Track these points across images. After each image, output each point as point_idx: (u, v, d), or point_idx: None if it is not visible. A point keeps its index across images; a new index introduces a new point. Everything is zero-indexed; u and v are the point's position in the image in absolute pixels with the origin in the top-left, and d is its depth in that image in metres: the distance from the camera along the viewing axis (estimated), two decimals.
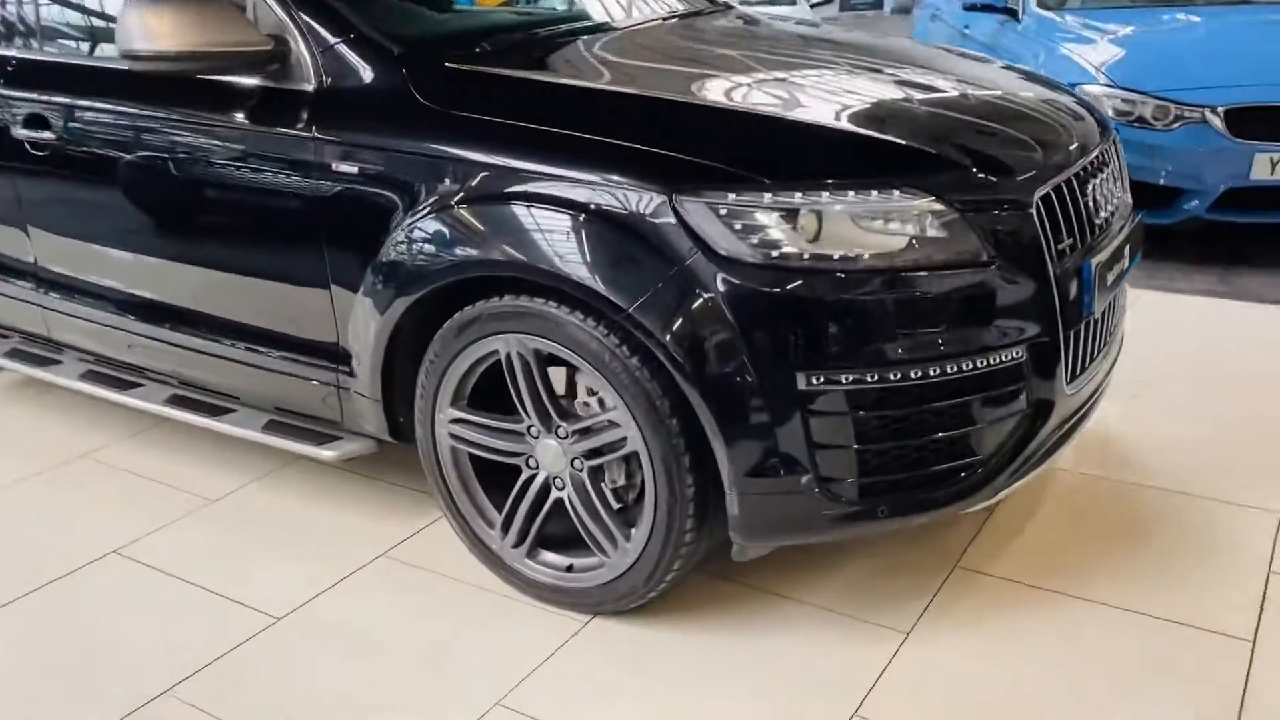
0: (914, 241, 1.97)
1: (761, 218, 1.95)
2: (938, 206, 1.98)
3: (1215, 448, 2.99)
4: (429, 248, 2.19)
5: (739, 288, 1.94)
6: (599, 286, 2.00)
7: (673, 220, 1.97)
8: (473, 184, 2.15)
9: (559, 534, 2.34)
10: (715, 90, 2.33)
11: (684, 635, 2.27)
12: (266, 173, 2.42)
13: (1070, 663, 2.15)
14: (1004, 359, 2.06)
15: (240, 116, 2.44)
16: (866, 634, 2.25)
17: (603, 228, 2.02)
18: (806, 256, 1.94)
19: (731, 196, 1.96)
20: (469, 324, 2.21)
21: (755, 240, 1.95)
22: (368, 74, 2.33)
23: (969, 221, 2.00)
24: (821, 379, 1.96)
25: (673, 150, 2.03)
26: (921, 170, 2.03)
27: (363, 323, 2.36)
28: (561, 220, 2.06)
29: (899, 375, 1.98)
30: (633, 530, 2.19)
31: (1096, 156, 2.36)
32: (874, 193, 1.98)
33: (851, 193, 1.97)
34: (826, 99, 2.34)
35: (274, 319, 2.57)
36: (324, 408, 2.59)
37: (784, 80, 2.46)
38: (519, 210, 2.10)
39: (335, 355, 2.49)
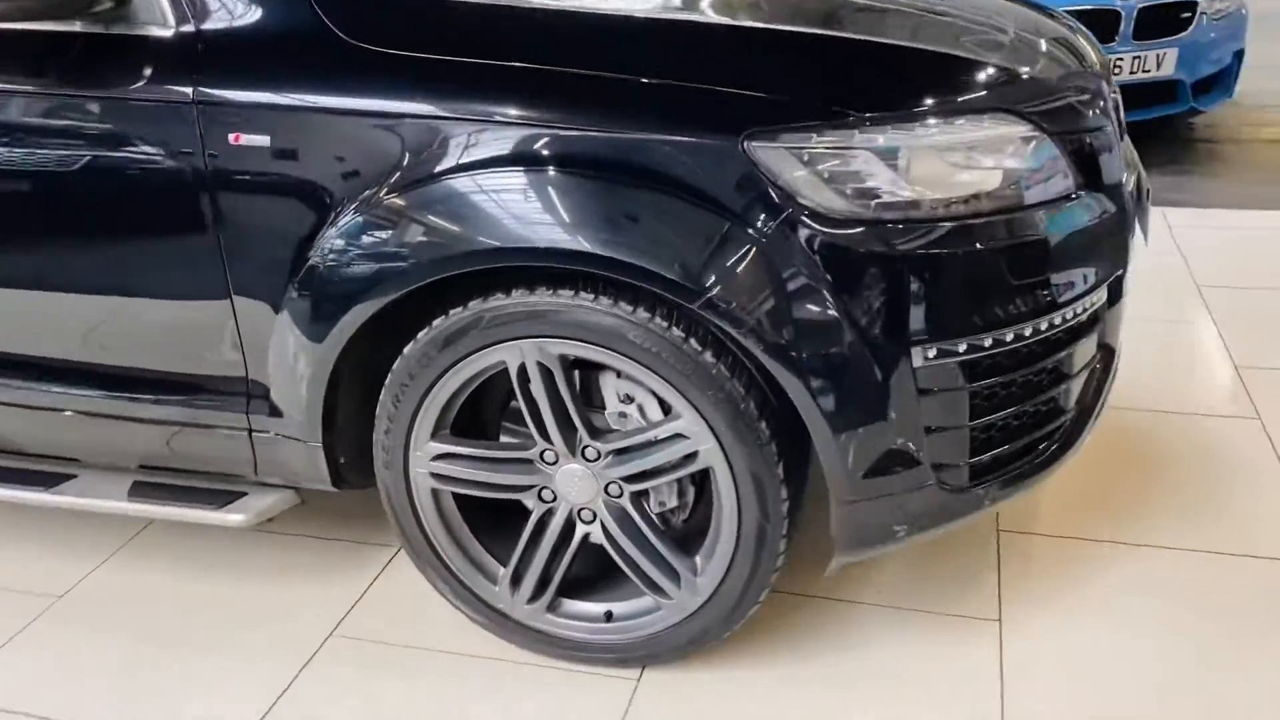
0: (1011, 175, 1.65)
1: (854, 161, 1.56)
2: (1031, 132, 1.66)
3: (1179, 369, 2.95)
4: (399, 238, 1.63)
5: (837, 249, 1.54)
6: (664, 269, 1.54)
7: (747, 171, 1.53)
8: (453, 150, 1.60)
9: (578, 575, 1.89)
10: (763, 10, 1.88)
11: (770, 664, 1.88)
12: (120, 155, 1.74)
13: (1179, 614, 1.96)
14: (1094, 302, 1.80)
15: (79, 79, 1.74)
16: (960, 628, 1.96)
17: (655, 192, 1.55)
18: (910, 204, 1.58)
19: (815, 137, 1.55)
20: (462, 333, 1.67)
21: (849, 189, 1.55)
22: (258, 9, 1.71)
23: (1059, 148, 1.70)
24: (934, 351, 1.61)
25: (732, 85, 1.58)
26: (1005, 92, 1.71)
27: (290, 346, 1.76)
28: (595, 187, 1.57)
29: (1011, 336, 1.67)
30: (698, 560, 1.78)
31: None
32: (962, 119, 1.63)
33: (945, 122, 1.61)
34: (880, 16, 1.95)
35: (149, 352, 1.90)
36: (225, 459, 1.96)
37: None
38: (532, 178, 1.58)
39: (242, 392, 1.87)
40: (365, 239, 1.65)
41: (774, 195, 1.53)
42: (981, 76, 1.71)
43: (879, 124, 1.56)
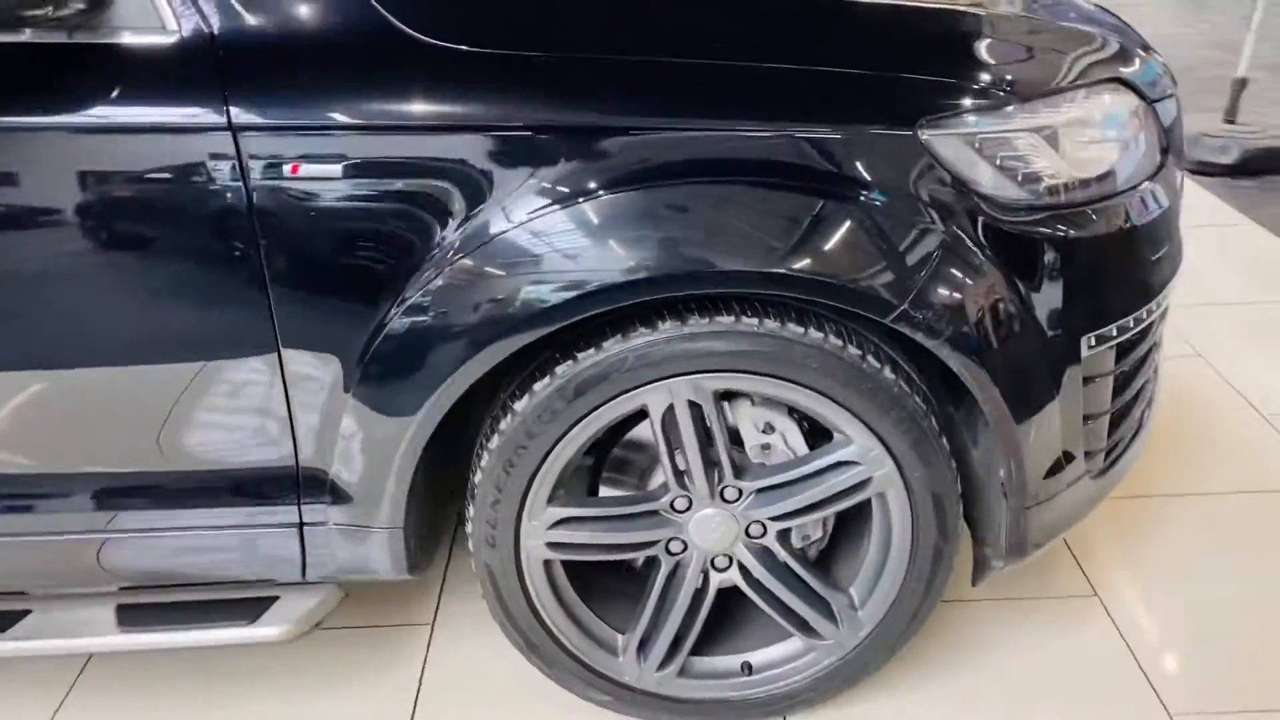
0: (1131, 149, 1.59)
1: (1020, 144, 1.44)
2: (1139, 104, 1.61)
3: None
4: (529, 274, 1.35)
5: (1017, 238, 1.42)
6: (859, 282, 1.36)
7: (925, 163, 1.38)
8: (584, 166, 1.33)
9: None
10: None
11: (911, 674, 1.77)
12: (111, 202, 1.34)
13: (1251, 556, 2.03)
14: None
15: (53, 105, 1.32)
16: (1069, 610, 1.93)
17: (831, 197, 1.36)
18: (1068, 185, 1.48)
19: (985, 122, 1.41)
20: (599, 379, 1.41)
21: (1020, 175, 1.43)
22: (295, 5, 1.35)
23: (1155, 121, 1.66)
24: (1095, 339, 1.54)
25: (901, 70, 1.42)
26: (1114, 65, 1.64)
27: (368, 420, 1.44)
28: (767, 195, 1.36)
29: (1144, 314, 1.62)
30: (853, 593, 1.62)
31: None
32: (1086, 94, 1.55)
33: (1085, 97, 1.52)
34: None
35: (167, 450, 1.49)
36: (259, 562, 1.59)
37: None
38: (690, 190, 1.34)
39: (291, 481, 1.51)
40: (480, 280, 1.35)
41: (954, 188, 1.39)
42: (1092, 50, 1.63)
43: (1032, 103, 1.45)
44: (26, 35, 1.32)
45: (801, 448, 1.55)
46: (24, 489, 1.54)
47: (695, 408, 1.46)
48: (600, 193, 1.33)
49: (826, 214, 1.36)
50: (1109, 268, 1.54)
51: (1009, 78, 1.45)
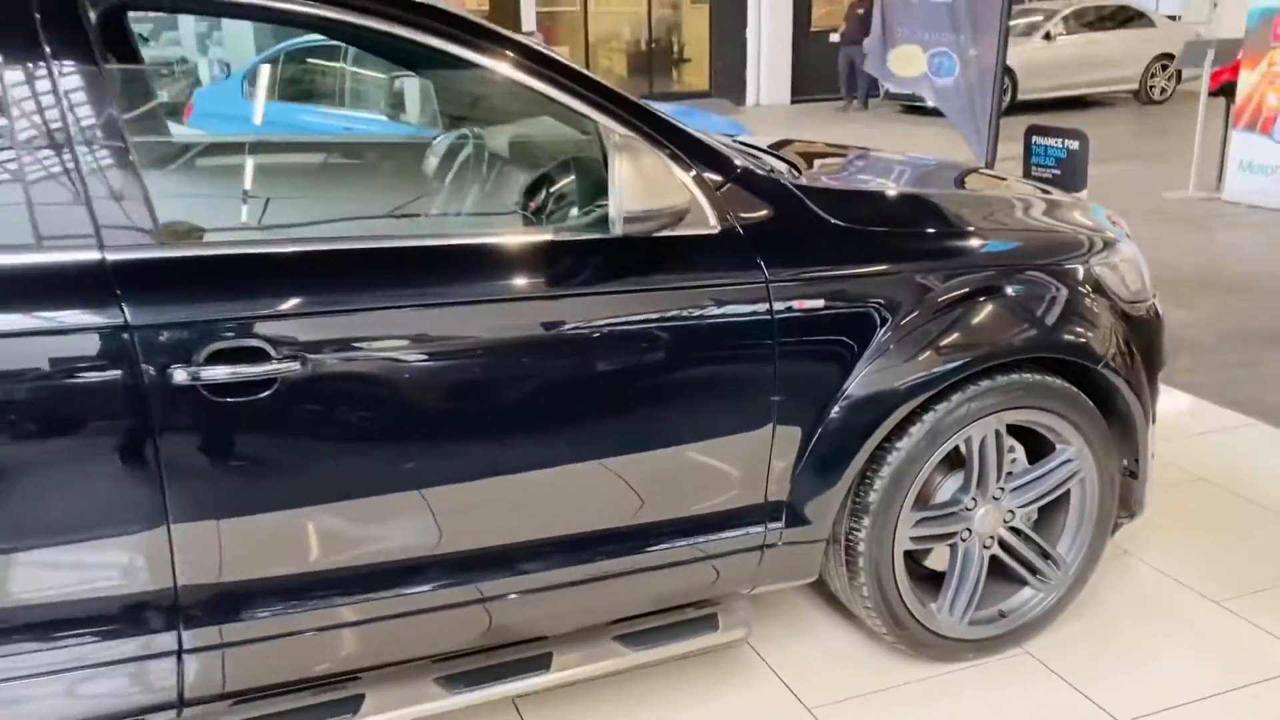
0: (1144, 272, 2.83)
1: (1122, 269, 2.59)
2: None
3: None
4: (937, 350, 2.26)
5: (1128, 318, 2.55)
6: (1084, 346, 2.42)
7: (1095, 281, 2.49)
8: (934, 294, 2.30)
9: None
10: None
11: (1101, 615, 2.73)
12: (695, 335, 2.10)
13: None
14: None
15: (643, 272, 2.07)
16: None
17: (1074, 296, 2.44)
18: (1139, 293, 2.64)
19: (1109, 258, 2.55)
20: (953, 424, 2.32)
21: (1125, 284, 2.57)
22: (772, 209, 2.21)
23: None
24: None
25: (1083, 232, 2.55)
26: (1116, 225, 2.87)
27: (824, 458, 2.24)
28: (1052, 293, 2.42)
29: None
30: (1060, 549, 2.59)
31: None
32: (1127, 242, 2.77)
33: (1127, 245, 2.73)
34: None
35: (676, 499, 2.18)
36: (723, 581, 2.29)
37: None
38: (991, 305, 2.35)
39: (760, 512, 2.26)
40: (890, 370, 2.24)
41: (1108, 294, 2.50)
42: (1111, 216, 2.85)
43: (1120, 247, 2.61)
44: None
45: (1024, 458, 2.54)
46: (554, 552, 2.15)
47: (996, 436, 2.41)
48: (952, 307, 2.30)
49: (1068, 310, 2.41)
50: (1160, 334, 2.70)
51: (1114, 234, 2.61)
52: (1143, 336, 2.59)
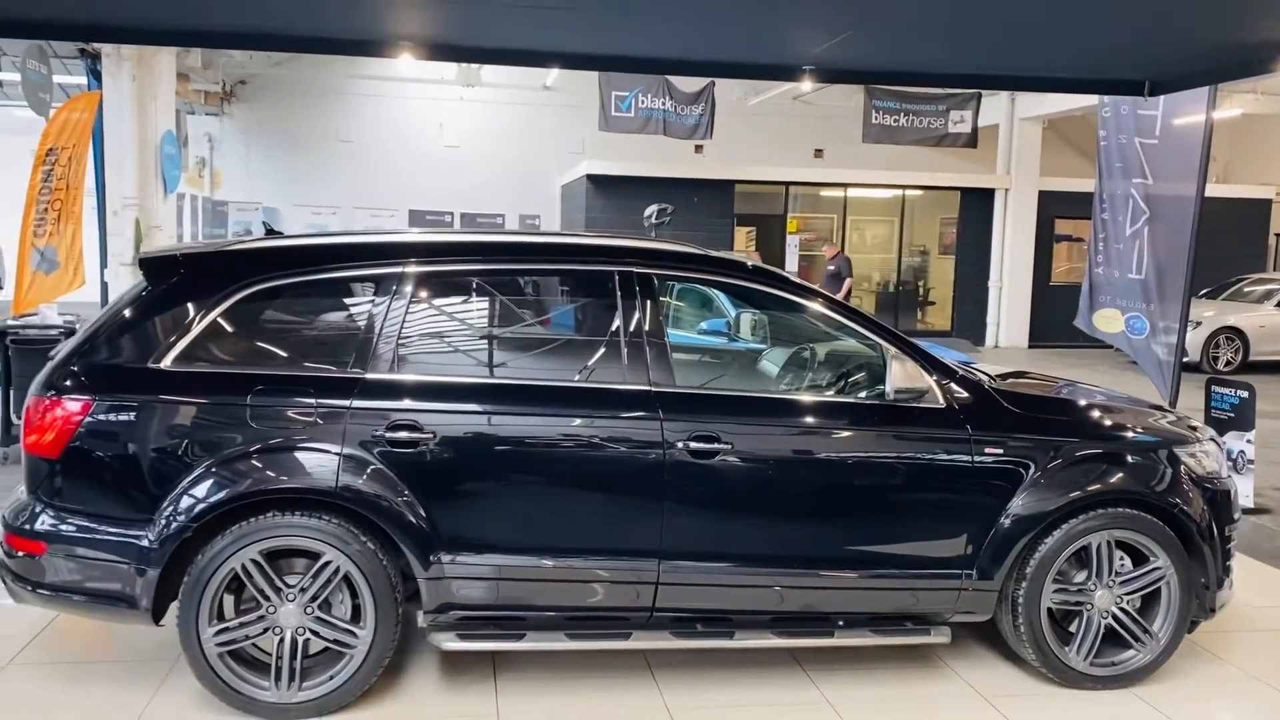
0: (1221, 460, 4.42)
1: (1201, 456, 4.22)
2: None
3: None
4: (1068, 488, 3.98)
5: (1200, 485, 4.16)
6: (1172, 499, 4.06)
7: (1183, 464, 4.15)
8: (1083, 450, 4.05)
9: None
10: None
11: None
12: (932, 460, 3.95)
13: None
14: None
15: (919, 429, 3.98)
16: None
17: (1162, 467, 4.11)
18: (1214, 473, 4.25)
19: (1189, 449, 4.20)
20: (1083, 530, 3.99)
21: (1203, 466, 4.20)
22: (976, 395, 4.06)
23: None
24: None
25: (1173, 431, 4.24)
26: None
27: (1001, 537, 3.96)
28: (1147, 462, 4.11)
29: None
30: (1154, 628, 4.12)
31: None
32: (1208, 439, 4.38)
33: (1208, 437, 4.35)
34: None
35: (919, 553, 3.97)
36: (941, 607, 4.01)
37: None
38: (1095, 463, 4.07)
39: (960, 563, 3.98)
40: (1054, 487, 3.97)
41: (1193, 474, 4.15)
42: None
43: (1201, 441, 4.26)
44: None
45: (1130, 564, 4.13)
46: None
47: (1108, 545, 4.04)
48: (1079, 464, 4.04)
49: (1156, 475, 4.08)
50: (1228, 501, 4.26)
51: (1201, 437, 4.27)
52: (1213, 502, 4.17)
